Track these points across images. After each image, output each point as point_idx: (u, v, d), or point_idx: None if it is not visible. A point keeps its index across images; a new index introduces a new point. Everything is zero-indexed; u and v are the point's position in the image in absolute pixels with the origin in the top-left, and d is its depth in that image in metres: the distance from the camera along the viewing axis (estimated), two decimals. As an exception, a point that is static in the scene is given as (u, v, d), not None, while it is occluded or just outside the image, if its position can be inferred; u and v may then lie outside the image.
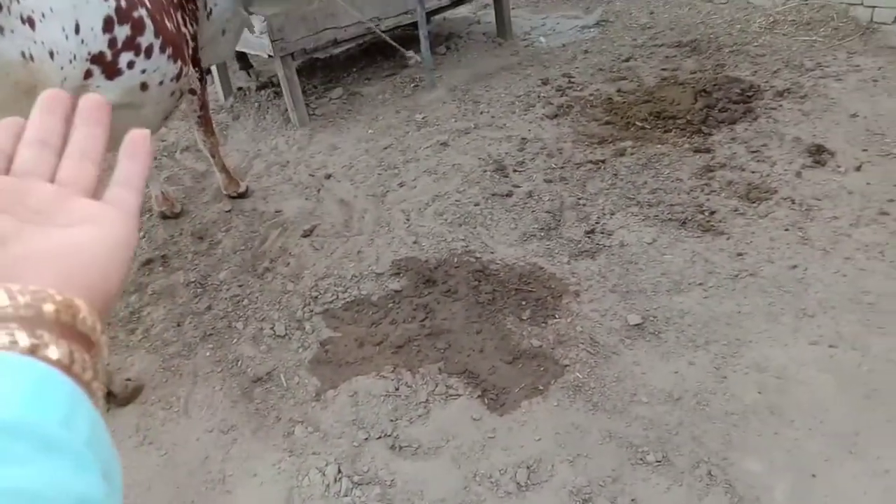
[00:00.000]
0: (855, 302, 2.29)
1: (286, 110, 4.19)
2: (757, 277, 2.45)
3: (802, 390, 1.99)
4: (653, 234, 2.73)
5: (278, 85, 4.51)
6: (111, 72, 2.14)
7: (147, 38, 2.22)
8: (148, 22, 2.22)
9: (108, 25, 2.08)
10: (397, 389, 2.19)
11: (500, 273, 2.64)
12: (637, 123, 3.58)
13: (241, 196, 3.39)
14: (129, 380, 2.28)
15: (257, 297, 2.71)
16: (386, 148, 3.77)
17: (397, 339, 2.38)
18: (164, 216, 3.25)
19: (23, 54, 1.81)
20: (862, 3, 4.29)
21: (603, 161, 3.29)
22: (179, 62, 2.40)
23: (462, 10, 5.46)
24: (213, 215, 3.30)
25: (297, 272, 2.83)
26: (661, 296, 2.43)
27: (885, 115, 3.26)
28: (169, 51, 2.33)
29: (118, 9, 2.11)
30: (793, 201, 2.80)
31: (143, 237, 3.18)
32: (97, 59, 2.08)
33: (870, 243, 2.51)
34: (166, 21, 2.34)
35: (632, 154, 3.31)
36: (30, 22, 1.83)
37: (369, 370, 2.28)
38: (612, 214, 2.89)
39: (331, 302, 2.62)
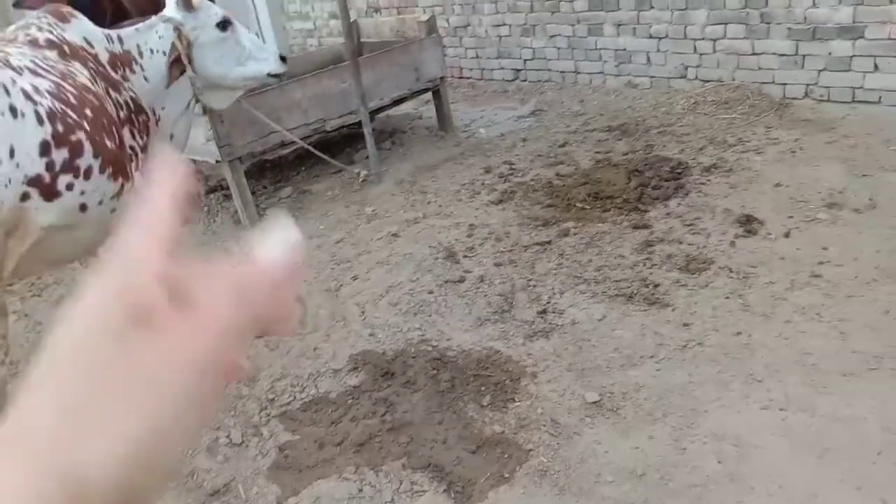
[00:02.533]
0: (799, 364, 2.38)
1: (236, 212, 4.23)
2: (704, 346, 2.53)
3: (759, 456, 2.03)
4: (602, 311, 2.81)
5: (227, 188, 4.57)
6: (49, 194, 2.13)
7: (86, 160, 2.23)
8: (87, 144, 2.24)
9: (44, 149, 2.09)
10: (360, 491, 2.14)
11: (457, 360, 2.65)
12: (577, 205, 3.74)
13: (193, 301, 3.35)
14: None
15: (212, 405, 2.64)
16: (338, 242, 3.82)
17: (358, 437, 2.35)
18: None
19: None
20: (773, 81, 4.66)
21: (549, 242, 3.41)
22: (120, 179, 2.42)
23: (404, 107, 5.67)
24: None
25: (252, 375, 2.79)
26: (615, 371, 2.48)
27: (806, 183, 3.49)
28: (109, 170, 2.34)
29: (55, 133, 2.12)
30: (730, 270, 2.93)
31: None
32: (34, 181, 2.08)
33: (806, 306, 2.64)
34: (107, 140, 2.37)
35: (575, 234, 3.44)
36: None
37: (331, 473, 2.23)
38: (562, 293, 2.97)
39: (288, 403, 2.58)
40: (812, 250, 2.97)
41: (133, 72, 2.85)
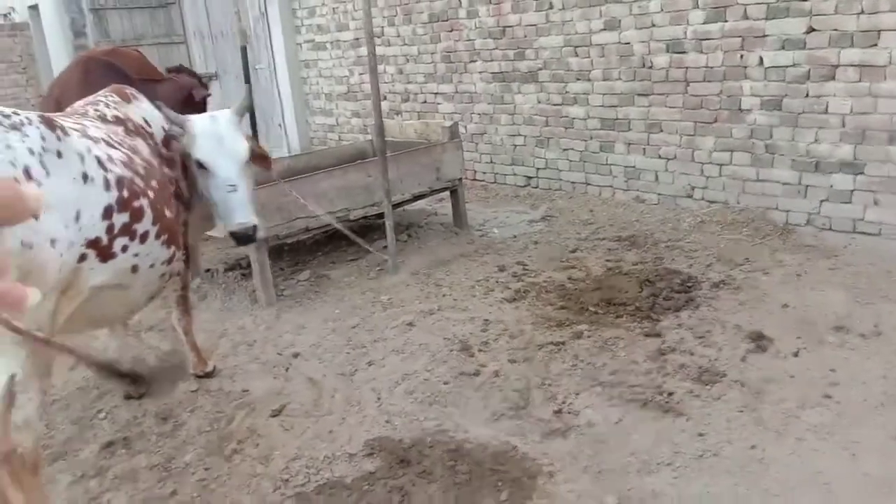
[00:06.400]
0: (812, 483, 2.41)
1: (253, 291, 4.31)
2: (720, 458, 2.56)
3: (780, 571, 2.03)
4: (618, 414, 2.85)
5: (246, 267, 4.67)
6: (105, 255, 2.22)
7: (144, 225, 2.35)
8: (148, 211, 2.37)
9: (107, 213, 2.21)
10: (376, 579, 2.11)
11: (474, 452, 2.67)
12: (590, 309, 3.84)
13: (208, 375, 3.38)
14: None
15: (225, 481, 2.62)
16: (353, 327, 3.88)
17: (374, 524, 2.33)
18: (128, 396, 3.19)
19: (21, 243, 1.86)
20: (776, 208, 4.90)
21: (563, 343, 3.48)
22: (173, 247, 2.53)
23: (419, 203, 5.88)
24: (179, 395, 3.25)
25: (266, 454, 2.78)
26: (632, 476, 2.50)
27: (813, 306, 3.62)
28: (164, 237, 2.46)
29: (119, 198, 2.25)
30: (742, 384, 3.00)
31: (105, 418, 3.09)
32: (93, 243, 2.17)
33: (817, 425, 2.69)
34: (166, 210, 2.50)
35: (589, 337, 3.52)
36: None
37: (346, 558, 2.20)
38: (577, 394, 3.02)
39: (303, 485, 2.57)
40: (821, 371, 3.06)
41: None
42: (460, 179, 5.41)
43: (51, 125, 2.06)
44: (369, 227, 5.36)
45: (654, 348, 3.36)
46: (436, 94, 7.34)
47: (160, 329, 4.00)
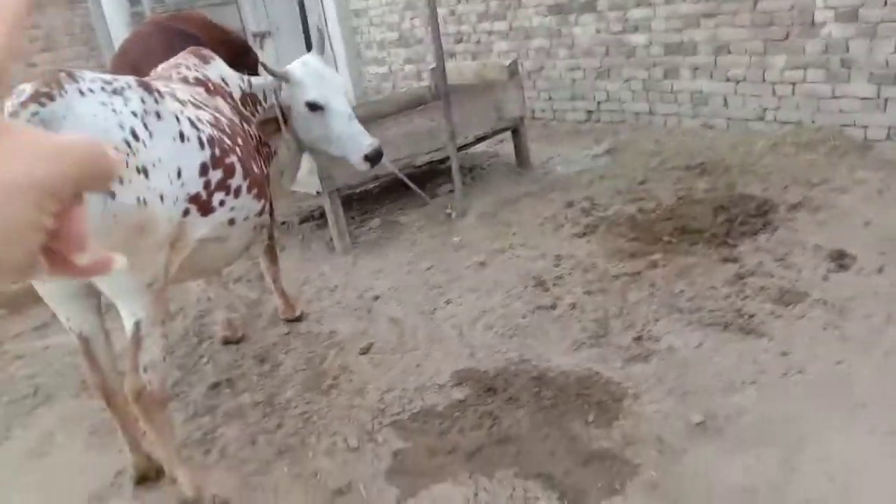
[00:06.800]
0: (903, 394, 2.41)
1: (329, 240, 4.47)
2: (805, 374, 2.58)
3: (870, 475, 2.07)
4: (698, 338, 2.89)
5: (319, 217, 4.84)
6: (205, 209, 2.38)
7: (237, 181, 2.49)
8: (238, 167, 2.50)
9: (203, 170, 2.35)
10: (476, 495, 2.26)
11: (558, 379, 2.77)
12: (664, 238, 3.84)
13: (297, 320, 3.57)
14: (215, 496, 2.35)
15: (326, 413, 2.81)
16: (428, 269, 4.00)
17: (468, 447, 2.48)
18: (226, 341, 3.42)
19: (137, 199, 2.03)
20: (854, 124, 4.70)
21: (638, 273, 3.51)
22: (263, 200, 2.67)
23: (480, 146, 5.89)
24: (273, 338, 3.46)
25: (360, 387, 2.95)
26: (717, 395, 2.55)
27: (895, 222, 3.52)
28: (255, 191, 2.59)
29: (213, 156, 2.38)
30: (825, 302, 2.98)
31: (208, 363, 3.33)
32: (194, 198, 2.33)
33: (906, 337, 2.67)
34: (253, 165, 2.62)
35: (664, 266, 3.53)
36: (144, 172, 2.09)
37: (446, 478, 2.35)
38: (657, 321, 3.06)
39: (398, 414, 2.73)
40: (908, 286, 3.00)
41: (256, 113, 3.12)
42: (522, 118, 5.39)
43: (148, 88, 2.18)
44: (434, 173, 5.43)
45: (732, 273, 3.35)
46: (490, 32, 7.23)
47: (247, 280, 4.22)
